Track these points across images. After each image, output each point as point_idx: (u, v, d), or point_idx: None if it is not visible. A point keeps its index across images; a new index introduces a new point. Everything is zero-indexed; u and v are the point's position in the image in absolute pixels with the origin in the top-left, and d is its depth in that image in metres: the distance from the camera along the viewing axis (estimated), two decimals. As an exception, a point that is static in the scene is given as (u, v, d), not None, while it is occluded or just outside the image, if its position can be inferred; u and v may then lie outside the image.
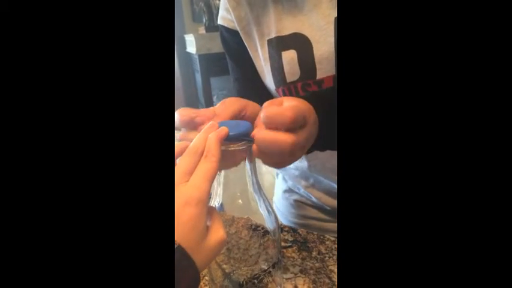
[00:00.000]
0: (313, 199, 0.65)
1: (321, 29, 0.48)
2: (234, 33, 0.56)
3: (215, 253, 0.29)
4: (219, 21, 0.58)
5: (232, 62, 0.61)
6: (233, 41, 0.58)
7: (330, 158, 0.57)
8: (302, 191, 0.67)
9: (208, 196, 0.28)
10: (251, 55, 0.56)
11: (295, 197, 0.69)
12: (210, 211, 0.30)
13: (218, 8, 0.64)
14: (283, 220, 0.73)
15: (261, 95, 0.59)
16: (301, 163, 0.63)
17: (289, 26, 0.50)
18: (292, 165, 0.66)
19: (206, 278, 0.46)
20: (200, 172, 0.29)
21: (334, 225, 0.65)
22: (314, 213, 0.67)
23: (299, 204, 0.69)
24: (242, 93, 0.62)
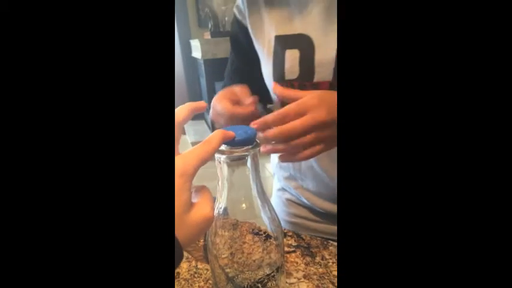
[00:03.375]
0: (303, 199, 0.67)
1: (326, 34, 0.49)
2: (242, 25, 0.59)
3: (199, 230, 0.28)
4: (234, 9, 0.61)
5: (235, 51, 0.64)
6: (241, 32, 0.60)
7: (318, 158, 0.58)
8: (293, 191, 0.69)
9: (195, 173, 0.28)
10: (255, 46, 0.58)
11: (287, 195, 0.71)
12: (201, 189, 0.30)
13: (223, 14, 0.67)
14: None
15: (255, 87, 0.58)
16: (289, 164, 0.65)
17: (297, 26, 0.52)
18: (284, 165, 0.68)
19: (210, 282, 0.46)
20: (193, 150, 0.29)
21: (324, 227, 0.66)
22: (305, 212, 0.68)
23: (290, 203, 0.71)
24: (236, 83, 0.60)
